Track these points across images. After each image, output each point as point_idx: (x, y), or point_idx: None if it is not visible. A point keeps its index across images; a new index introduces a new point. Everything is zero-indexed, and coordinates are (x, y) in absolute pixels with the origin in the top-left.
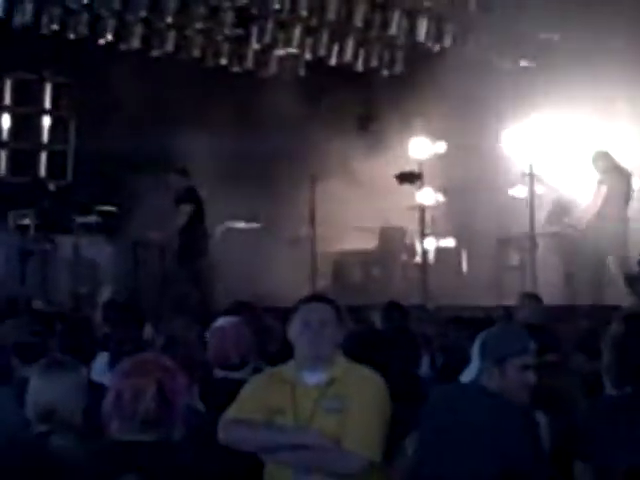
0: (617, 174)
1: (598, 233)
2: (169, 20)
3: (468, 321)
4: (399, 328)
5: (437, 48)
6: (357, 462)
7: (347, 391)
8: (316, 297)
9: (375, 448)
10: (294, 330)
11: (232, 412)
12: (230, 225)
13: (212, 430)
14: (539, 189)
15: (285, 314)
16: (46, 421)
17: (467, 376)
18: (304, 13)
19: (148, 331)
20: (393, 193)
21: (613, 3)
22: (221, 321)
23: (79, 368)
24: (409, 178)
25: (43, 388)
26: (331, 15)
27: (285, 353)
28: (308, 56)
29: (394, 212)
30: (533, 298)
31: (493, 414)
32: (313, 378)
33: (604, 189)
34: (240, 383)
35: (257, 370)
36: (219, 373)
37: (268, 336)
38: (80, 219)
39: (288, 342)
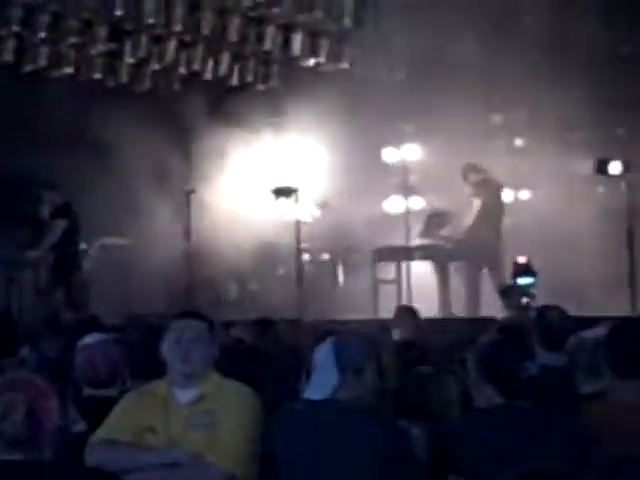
0: (489, 187)
1: (472, 246)
2: (42, 35)
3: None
4: (274, 343)
5: (312, 62)
6: (218, 475)
7: (218, 406)
8: (188, 313)
9: (240, 461)
10: (166, 347)
11: (102, 432)
12: (105, 241)
13: (82, 450)
14: (414, 202)
15: (159, 331)
16: None
17: (317, 391)
18: (178, 28)
19: (24, 351)
20: (269, 208)
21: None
22: (89, 338)
23: None
24: (285, 192)
25: None
26: (205, 30)
27: (157, 370)
28: (182, 70)
29: (270, 227)
30: (408, 311)
31: (364, 429)
32: (185, 395)
33: (477, 202)
34: (109, 400)
35: (127, 388)
36: (88, 391)
37: (136, 354)
38: None
39: (160, 359)
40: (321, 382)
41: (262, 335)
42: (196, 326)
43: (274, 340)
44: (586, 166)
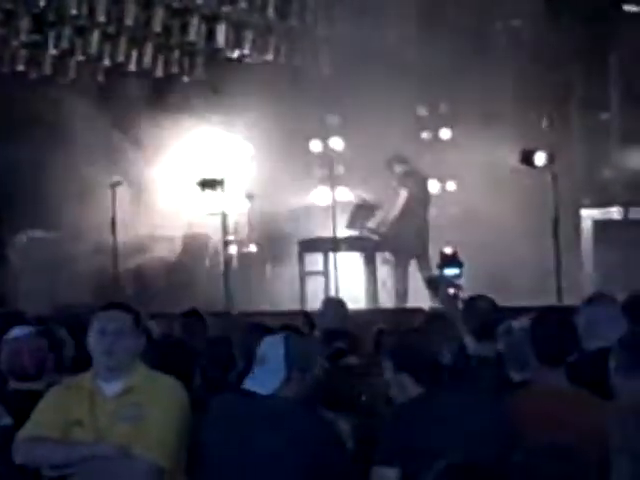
0: (414, 178)
1: (399, 237)
2: None
3: (267, 328)
4: (202, 335)
5: (237, 54)
6: (143, 467)
7: (145, 399)
8: (113, 305)
9: (166, 453)
10: (91, 339)
11: (28, 428)
12: (30, 234)
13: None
14: (340, 194)
15: (86, 323)
16: None
17: (262, 385)
18: (102, 19)
19: None
20: (196, 199)
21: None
22: (15, 331)
23: None
24: (211, 184)
25: None
26: (129, 21)
27: (80, 364)
28: (107, 62)
29: (197, 219)
30: (336, 303)
31: (305, 426)
32: (111, 387)
33: (404, 193)
34: (35, 394)
35: (53, 382)
36: (13, 384)
37: (62, 348)
38: None
39: (83, 353)
40: (266, 376)
41: (190, 327)
42: (120, 318)
43: (202, 332)
44: (511, 157)
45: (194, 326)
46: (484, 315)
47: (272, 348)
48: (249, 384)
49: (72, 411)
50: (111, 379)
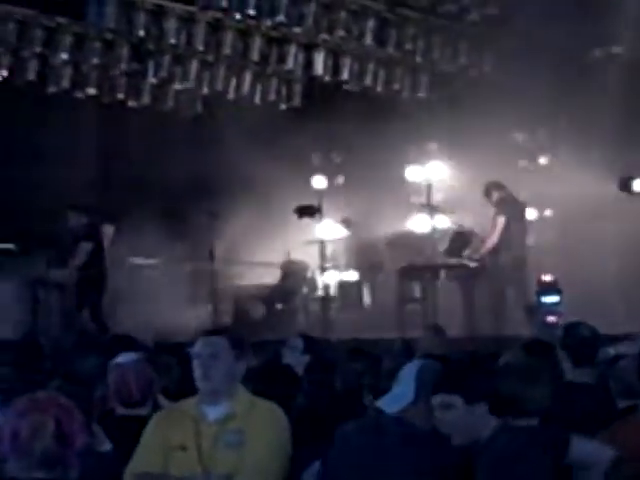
0: (512, 205)
1: (497, 264)
2: (64, 55)
3: (365, 354)
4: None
5: (334, 81)
6: None
7: (247, 425)
8: (211, 330)
9: None
10: (192, 365)
11: (134, 463)
12: (132, 261)
13: (114, 469)
14: (439, 221)
15: (183, 350)
16: None
17: (391, 403)
18: (200, 47)
19: (48, 370)
20: (294, 227)
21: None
22: (121, 358)
23: None
24: (308, 212)
25: None
26: (227, 49)
27: (184, 389)
28: (205, 90)
29: (295, 246)
30: (435, 329)
31: (437, 452)
32: (213, 412)
33: (501, 220)
34: (142, 420)
35: (158, 406)
36: (120, 410)
37: (168, 374)
38: None
39: (183, 379)
40: (395, 397)
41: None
42: (216, 342)
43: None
44: (610, 184)
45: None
46: (584, 341)
47: (407, 370)
48: (379, 402)
49: (175, 436)
50: (213, 403)
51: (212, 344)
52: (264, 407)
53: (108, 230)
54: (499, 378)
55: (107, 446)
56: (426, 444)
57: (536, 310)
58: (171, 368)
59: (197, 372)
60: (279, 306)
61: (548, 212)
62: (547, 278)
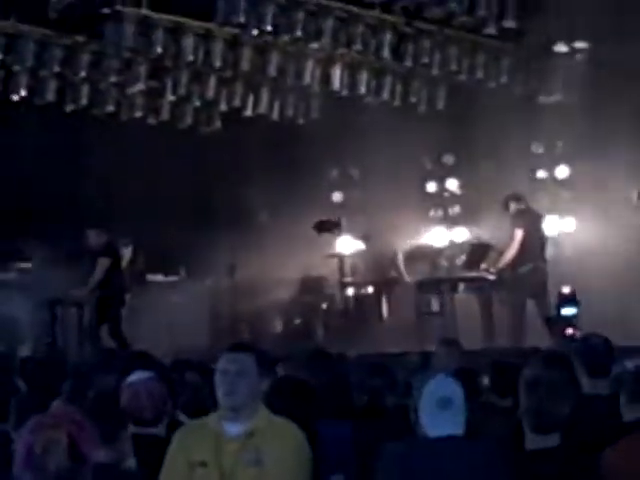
0: (530, 217)
1: (516, 276)
2: (82, 74)
3: (385, 369)
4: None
5: (351, 96)
6: None
7: (267, 444)
8: (236, 346)
9: None
10: (215, 380)
11: (163, 475)
12: (151, 277)
13: None
14: (457, 234)
15: (203, 366)
16: None
17: (446, 427)
18: (218, 64)
19: (66, 388)
20: (313, 242)
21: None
22: (133, 377)
23: None
24: (327, 227)
25: None
26: (245, 65)
27: (201, 406)
28: (223, 107)
29: (314, 261)
30: (449, 343)
31: (503, 465)
32: (235, 428)
33: (519, 232)
34: (155, 439)
35: (173, 424)
36: (133, 429)
37: (184, 391)
38: None
39: (204, 395)
40: (456, 418)
41: (313, 369)
42: (242, 359)
43: (324, 373)
44: (629, 194)
45: (317, 367)
46: (597, 353)
47: (452, 390)
48: (440, 429)
49: (196, 452)
50: (235, 420)
51: (239, 361)
52: (283, 426)
53: (127, 245)
54: (522, 393)
55: (132, 462)
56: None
57: (556, 322)
58: (191, 384)
59: (222, 388)
60: (298, 321)
61: (567, 223)
62: (566, 290)
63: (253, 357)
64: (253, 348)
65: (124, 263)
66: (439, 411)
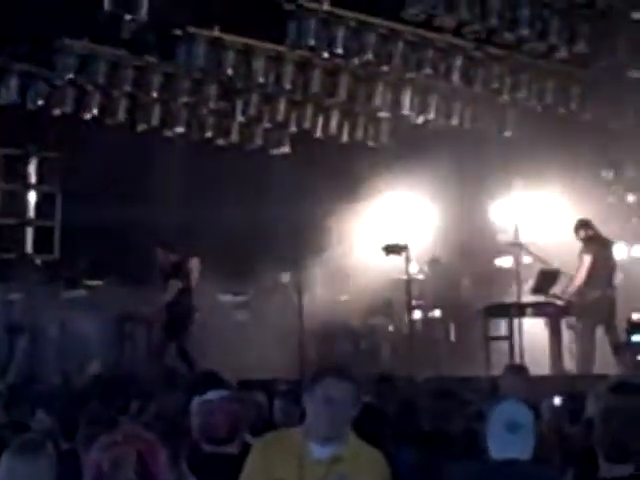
0: (599, 243)
1: (584, 302)
2: (154, 94)
3: (453, 394)
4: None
5: (421, 120)
6: None
7: (353, 471)
8: (339, 372)
9: None
10: (314, 403)
11: None
12: (220, 298)
13: None
14: (526, 259)
15: (269, 386)
16: None
17: (516, 450)
18: (288, 86)
19: (134, 406)
20: (380, 265)
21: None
22: (209, 394)
23: (48, 447)
24: (395, 249)
25: (17, 474)
26: (315, 88)
27: (272, 427)
28: (293, 128)
29: (381, 283)
30: (515, 369)
31: None
32: (322, 452)
33: (588, 259)
34: (230, 458)
35: (247, 444)
36: (207, 447)
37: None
38: (67, 294)
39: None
40: (525, 442)
41: (381, 393)
42: (347, 388)
43: (392, 398)
44: None
45: (385, 391)
46: None
47: (522, 414)
48: (508, 452)
49: (277, 469)
50: (325, 444)
51: (344, 389)
52: (368, 454)
53: (195, 264)
54: (597, 422)
55: None
56: None
57: (625, 349)
58: (259, 406)
59: (324, 417)
60: (364, 343)
61: (637, 249)
62: (636, 317)
63: (356, 386)
64: (353, 376)
65: (194, 277)
66: (508, 435)
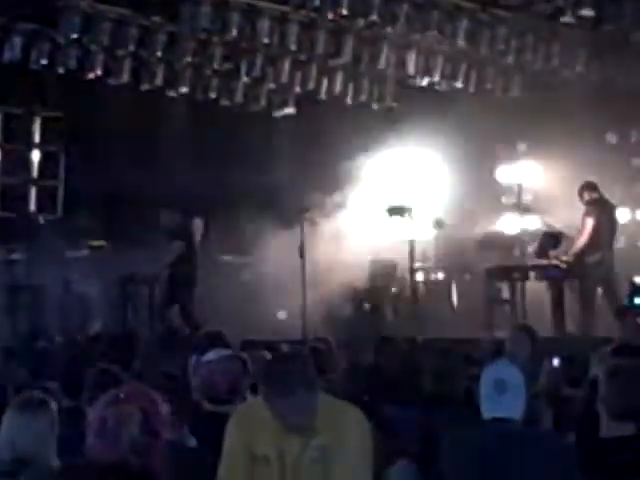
0: (602, 206)
1: (587, 265)
2: (158, 54)
3: (455, 353)
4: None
5: (426, 82)
6: None
7: (330, 439)
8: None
9: None
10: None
11: (224, 466)
12: (223, 259)
13: (201, 464)
14: (529, 222)
15: (273, 347)
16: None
17: (506, 410)
18: (293, 47)
19: (136, 365)
20: (384, 226)
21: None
22: (210, 354)
23: (50, 405)
24: (399, 211)
25: (19, 431)
26: (320, 49)
27: None
28: (297, 90)
29: (384, 245)
30: (525, 329)
31: (561, 451)
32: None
33: (591, 222)
34: (229, 416)
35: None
36: (207, 406)
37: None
38: (70, 253)
39: None
40: (515, 402)
41: (381, 353)
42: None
43: (393, 358)
44: None
45: (387, 352)
46: None
47: (510, 374)
48: (496, 411)
49: (258, 444)
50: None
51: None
52: (347, 416)
53: (198, 224)
54: (602, 381)
55: (192, 442)
56: (553, 443)
57: (627, 311)
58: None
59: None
60: (367, 306)
61: None
62: (638, 280)
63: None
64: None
65: (197, 238)
66: (495, 394)
